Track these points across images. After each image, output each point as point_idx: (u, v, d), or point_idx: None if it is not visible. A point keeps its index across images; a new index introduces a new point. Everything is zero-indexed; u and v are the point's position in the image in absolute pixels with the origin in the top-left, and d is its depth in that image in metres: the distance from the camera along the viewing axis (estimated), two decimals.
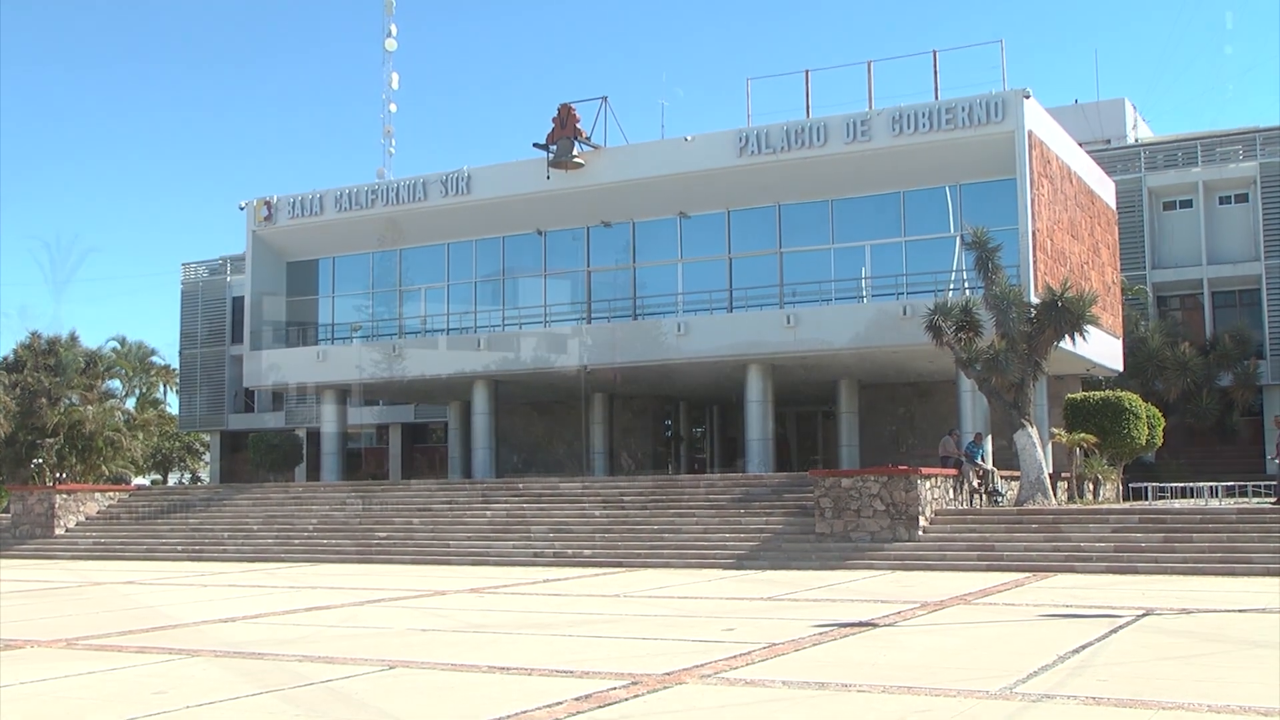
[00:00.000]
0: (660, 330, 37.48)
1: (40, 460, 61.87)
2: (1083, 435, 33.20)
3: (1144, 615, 16.56)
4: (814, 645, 14.01)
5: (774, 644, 14.05)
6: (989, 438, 33.49)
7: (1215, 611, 17.13)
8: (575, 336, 39.12)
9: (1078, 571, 24.09)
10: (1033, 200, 33.14)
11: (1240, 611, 17.15)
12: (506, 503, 34.51)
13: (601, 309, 40.31)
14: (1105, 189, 41.47)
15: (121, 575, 28.79)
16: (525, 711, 10.21)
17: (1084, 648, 13.33)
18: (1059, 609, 17.65)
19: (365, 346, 43.31)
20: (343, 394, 44.30)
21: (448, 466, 47.47)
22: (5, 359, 64.61)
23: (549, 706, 10.39)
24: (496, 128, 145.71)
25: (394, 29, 58.82)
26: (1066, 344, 30.71)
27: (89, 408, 61.51)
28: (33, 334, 64.62)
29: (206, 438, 69.19)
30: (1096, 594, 19.66)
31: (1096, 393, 35.54)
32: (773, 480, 32.96)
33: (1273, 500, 29.03)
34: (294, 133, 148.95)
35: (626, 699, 10.73)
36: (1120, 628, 15.19)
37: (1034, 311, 30.24)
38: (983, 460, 31.71)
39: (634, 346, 37.69)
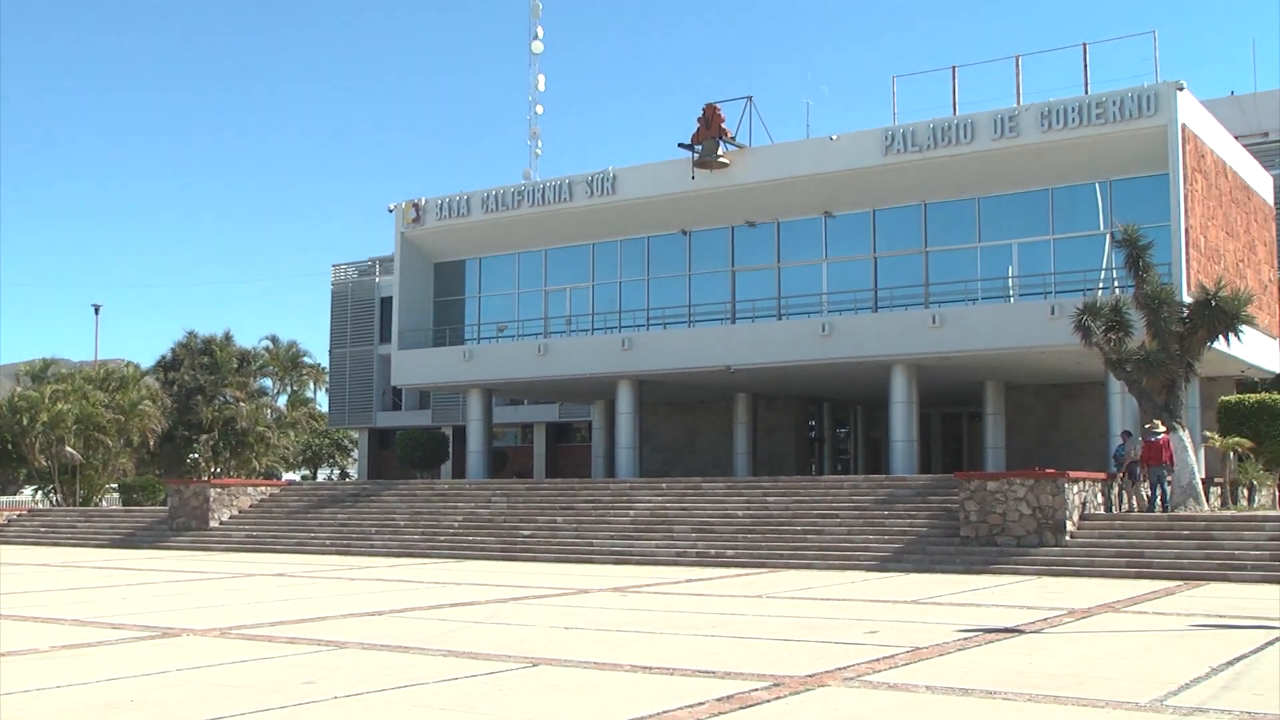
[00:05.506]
0: (804, 331, 37.28)
1: (196, 455, 63.58)
2: (1237, 439, 32.25)
3: None
4: (959, 650, 13.87)
5: (918, 648, 13.94)
6: (1138, 439, 32.82)
7: None
8: (719, 337, 39.10)
9: (1231, 580, 23.46)
10: (1186, 196, 32.37)
11: None
12: (650, 502, 34.63)
13: (746, 309, 40.24)
14: (1262, 184, 40.34)
15: (273, 568, 29.45)
16: (667, 711, 10.26)
17: (1238, 659, 13.02)
18: (1211, 619, 17.24)
19: (511, 346, 43.75)
20: (488, 393, 44.81)
21: (591, 465, 47.76)
22: (163, 358, 66.50)
23: (691, 707, 10.43)
24: (642, 128, 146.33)
25: (540, 31, 59.38)
26: (1220, 345, 29.94)
27: (242, 405, 63.05)
28: (189, 333, 66.49)
29: (355, 435, 70.56)
30: (1251, 604, 19.16)
31: (1252, 395, 34.55)
32: (917, 482, 32.66)
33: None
34: (442, 136, 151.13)
35: (768, 700, 10.73)
36: (1277, 639, 14.80)
37: (1186, 311, 29.51)
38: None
39: (778, 347, 37.56)
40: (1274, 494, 35.00)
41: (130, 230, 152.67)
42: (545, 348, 41.72)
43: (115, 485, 57.05)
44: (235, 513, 40.52)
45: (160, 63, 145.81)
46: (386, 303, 55.56)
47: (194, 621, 17.58)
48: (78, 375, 58.53)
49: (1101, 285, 34.17)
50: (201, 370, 63.83)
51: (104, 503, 56.27)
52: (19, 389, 56.45)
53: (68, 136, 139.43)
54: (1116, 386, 32.94)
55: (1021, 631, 15.70)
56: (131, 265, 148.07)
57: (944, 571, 26.22)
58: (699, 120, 38.29)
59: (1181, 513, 28.09)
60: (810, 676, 11.96)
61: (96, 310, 68.39)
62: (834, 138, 37.05)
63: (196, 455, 63.56)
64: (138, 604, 20.96)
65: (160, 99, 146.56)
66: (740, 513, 32.52)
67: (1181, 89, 32.49)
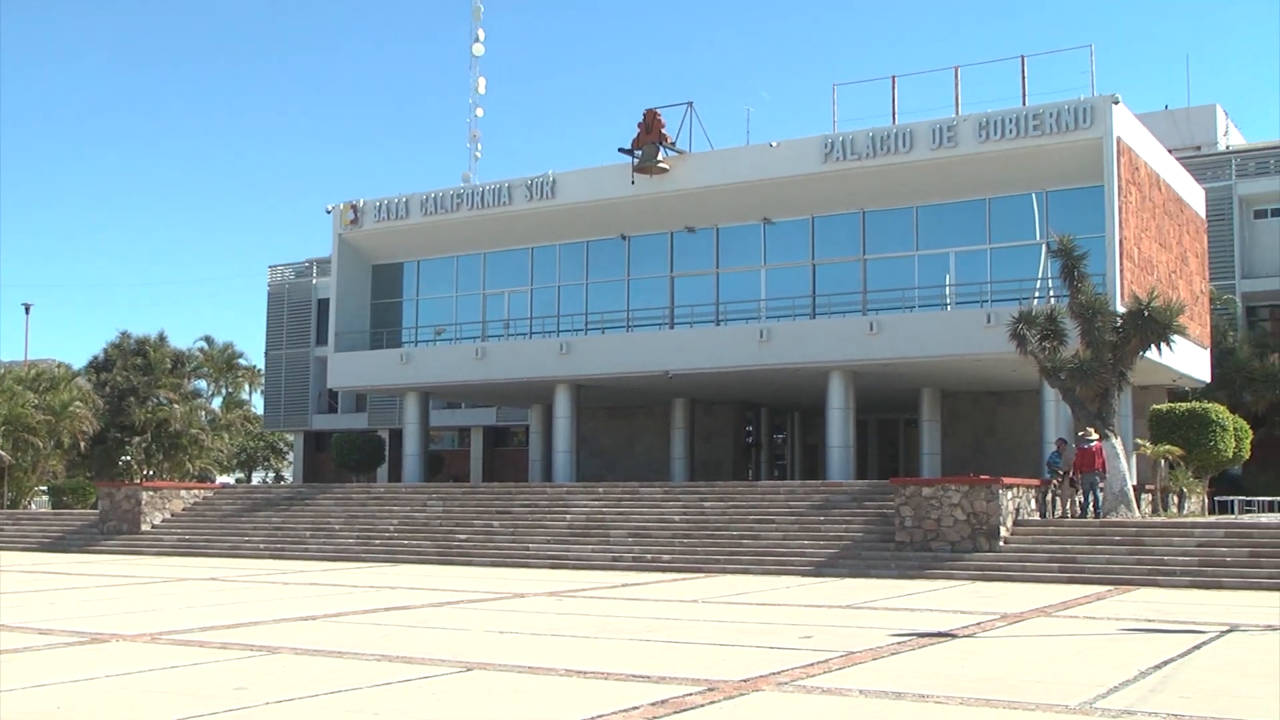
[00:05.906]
0: (743, 336, 37.40)
1: (128, 458, 62.86)
2: (1168, 447, 32.64)
3: (1229, 631, 16.31)
4: (892, 655, 13.93)
5: (851, 653, 13.99)
6: (1071, 446, 33.16)
7: None
8: (657, 342, 39.13)
9: (1161, 585, 23.75)
10: (1120, 208, 32.74)
11: None
12: (586, 507, 34.58)
13: (684, 314, 40.30)
14: (1195, 196, 40.89)
15: (205, 572, 29.17)
16: (601, 715, 10.24)
17: (1166, 663, 13.16)
18: (1141, 623, 17.43)
19: (448, 349, 43.59)
20: (425, 396, 44.63)
21: (528, 469, 47.66)
22: (95, 358, 65.74)
23: (624, 711, 10.41)
24: (582, 133, 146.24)
25: (481, 34, 59.18)
26: (1152, 354, 30.32)
27: (176, 407, 62.44)
28: (122, 334, 65.76)
29: (290, 438, 70.08)
30: (1180, 609, 19.39)
31: (1182, 404, 34.97)
32: (853, 488, 32.81)
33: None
34: (381, 137, 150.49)
35: (702, 705, 10.73)
36: (1204, 643, 14.97)
37: (1120, 320, 29.86)
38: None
39: (716, 352, 37.64)
40: (1203, 501, 35.44)
41: (62, 228, 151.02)
42: (483, 351, 41.62)
43: (45, 488, 56.28)
44: (168, 516, 40.11)
45: (97, 57, 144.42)
46: (323, 305, 55.26)
47: (124, 627, 17.37)
48: (7, 375, 57.72)
49: (1037, 294, 34.43)
50: (135, 371, 63.14)
51: (33, 505, 55.54)
52: None
53: None
54: (1051, 394, 33.24)
55: (955, 636, 15.80)
56: (64, 264, 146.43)
57: (879, 577, 26.34)
58: (639, 125, 38.34)
59: (1113, 519, 28.41)
60: (745, 681, 11.98)
61: (27, 309, 67.61)
62: (774, 144, 37.18)
63: (129, 458, 62.86)
64: (67, 609, 20.70)
65: (94, 94, 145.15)
66: (677, 518, 32.53)
67: (1117, 102, 32.85)
